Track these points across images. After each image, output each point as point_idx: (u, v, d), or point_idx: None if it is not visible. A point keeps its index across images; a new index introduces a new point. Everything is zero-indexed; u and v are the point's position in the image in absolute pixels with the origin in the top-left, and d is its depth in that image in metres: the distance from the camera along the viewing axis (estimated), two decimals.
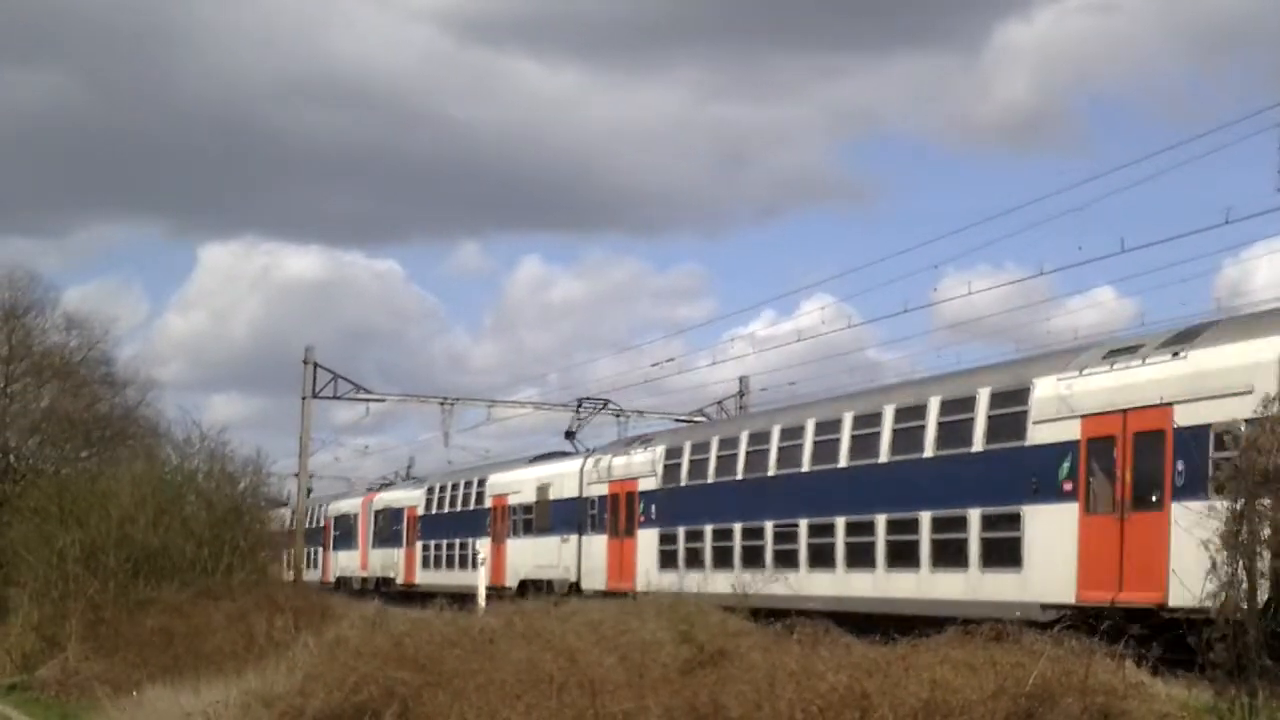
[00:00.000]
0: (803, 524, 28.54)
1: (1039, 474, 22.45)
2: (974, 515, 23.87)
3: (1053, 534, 22.10)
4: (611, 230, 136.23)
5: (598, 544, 37.93)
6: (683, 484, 33.85)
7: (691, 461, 33.64)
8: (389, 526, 56.84)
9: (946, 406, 25.04)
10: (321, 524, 65.13)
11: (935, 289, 36.01)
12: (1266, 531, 14.15)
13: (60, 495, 35.58)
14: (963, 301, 39.64)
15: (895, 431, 26.23)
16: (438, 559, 50.77)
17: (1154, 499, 20.32)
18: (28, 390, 52.32)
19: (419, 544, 52.88)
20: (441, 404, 53.61)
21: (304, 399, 50.34)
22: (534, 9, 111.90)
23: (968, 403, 24.56)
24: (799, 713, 11.95)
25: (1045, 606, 21.52)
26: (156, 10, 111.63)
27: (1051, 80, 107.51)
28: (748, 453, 31.23)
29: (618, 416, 52.84)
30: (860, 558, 26.87)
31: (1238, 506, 14.21)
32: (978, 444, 24.07)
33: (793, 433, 29.77)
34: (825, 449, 28.43)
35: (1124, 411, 21.14)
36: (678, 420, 49.80)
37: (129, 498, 33.37)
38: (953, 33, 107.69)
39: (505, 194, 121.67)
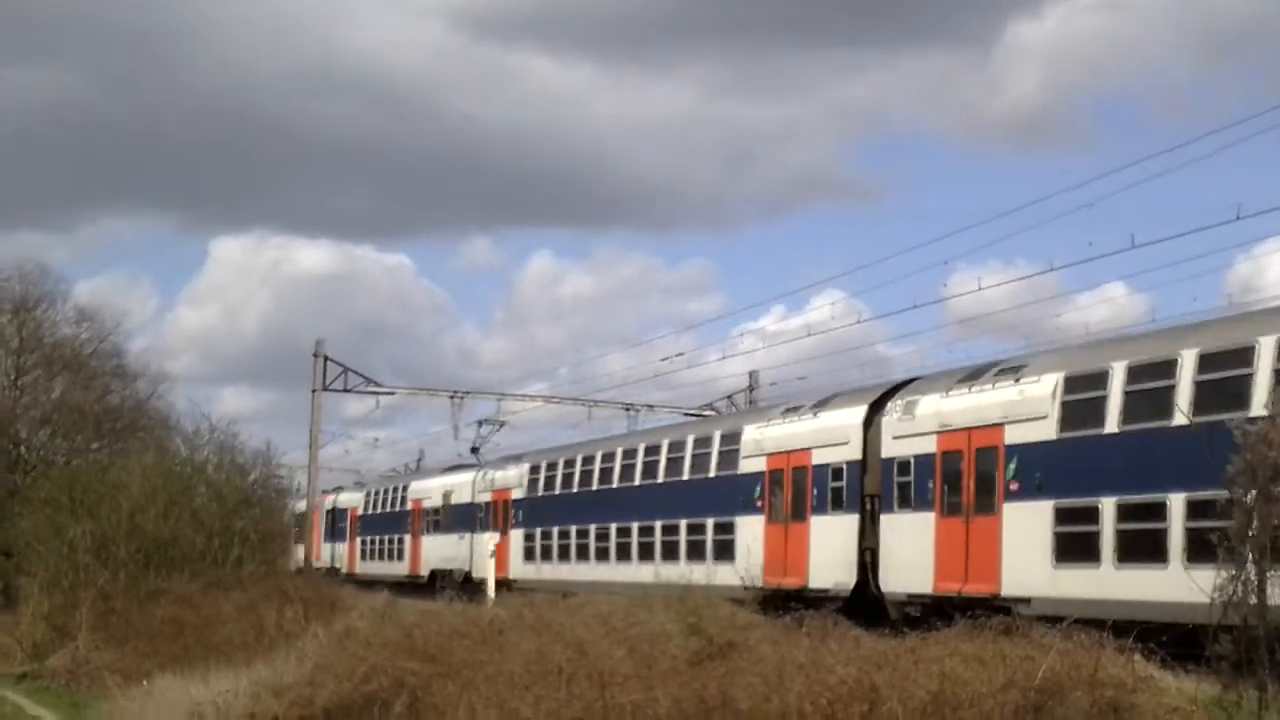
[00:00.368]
0: (612, 527, 37.23)
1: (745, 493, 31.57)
2: (709, 523, 32.88)
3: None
4: (622, 226, 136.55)
5: (485, 541, 44.71)
6: (540, 494, 42.70)
7: (546, 477, 42.53)
8: (336, 524, 65.02)
9: (697, 443, 34.60)
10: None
11: (945, 285, 36.22)
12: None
13: (71, 486, 35.76)
14: (973, 297, 40.00)
15: (668, 460, 35.47)
16: (373, 552, 58.74)
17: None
18: (39, 382, 52.43)
19: (359, 539, 61.25)
20: (451, 397, 53.65)
21: (314, 392, 50.33)
22: (544, 6, 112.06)
23: (707, 440, 34.20)
24: (808, 705, 11.97)
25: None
26: (166, 6, 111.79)
27: (1060, 78, 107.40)
28: (581, 472, 40.08)
29: (628, 411, 52.90)
30: (649, 554, 35.16)
31: (1248, 500, 14.21)
32: (713, 472, 33.33)
33: (608, 457, 38.74)
34: (627, 471, 37.36)
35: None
36: (686, 414, 49.80)
37: (139, 489, 33.52)
38: (962, 30, 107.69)
39: (515, 189, 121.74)
